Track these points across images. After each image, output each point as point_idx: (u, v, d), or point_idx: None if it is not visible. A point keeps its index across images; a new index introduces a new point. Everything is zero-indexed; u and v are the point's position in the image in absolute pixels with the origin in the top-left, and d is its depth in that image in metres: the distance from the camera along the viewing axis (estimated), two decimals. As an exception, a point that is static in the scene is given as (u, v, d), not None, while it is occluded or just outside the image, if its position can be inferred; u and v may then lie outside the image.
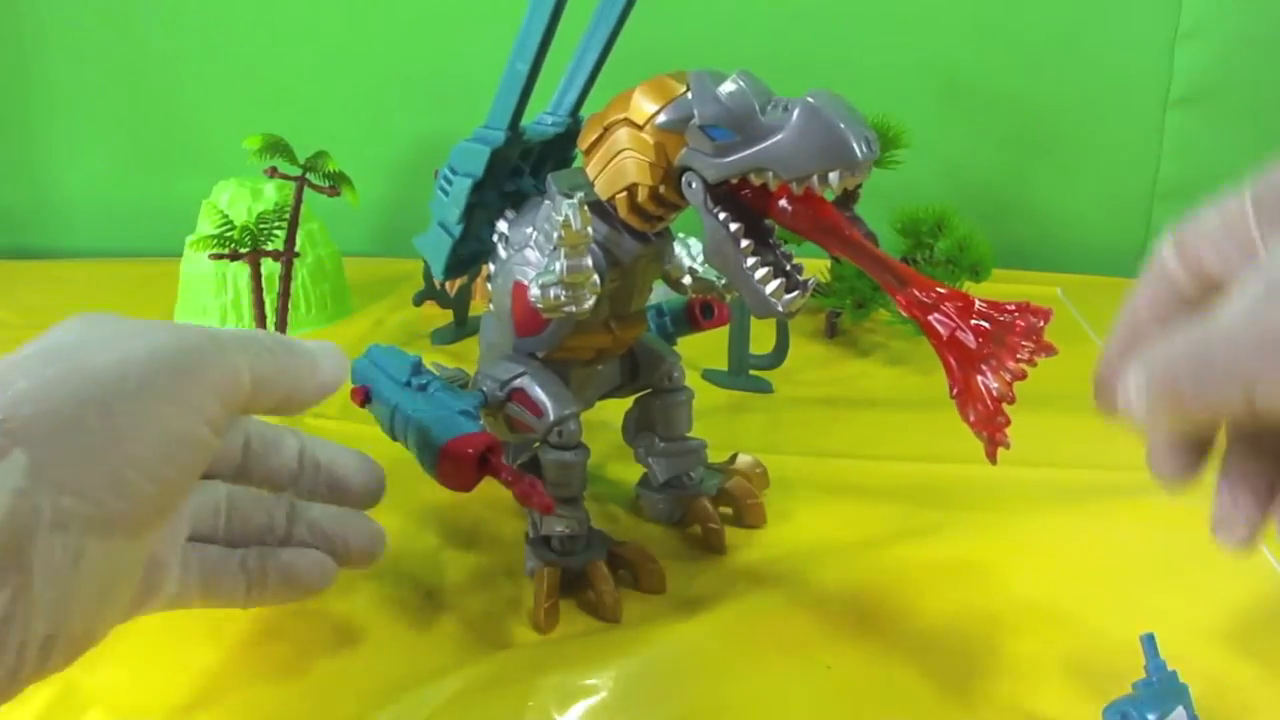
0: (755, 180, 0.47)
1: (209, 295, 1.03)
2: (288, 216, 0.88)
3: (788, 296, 0.48)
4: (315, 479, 0.52)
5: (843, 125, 0.43)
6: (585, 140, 0.53)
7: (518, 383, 0.57)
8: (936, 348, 0.46)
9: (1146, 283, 0.38)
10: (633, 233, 0.54)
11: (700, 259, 0.60)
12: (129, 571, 0.39)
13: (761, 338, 0.89)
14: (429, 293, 1.03)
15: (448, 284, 1.02)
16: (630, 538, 0.59)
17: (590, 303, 0.52)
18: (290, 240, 0.88)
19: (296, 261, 0.91)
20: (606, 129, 0.52)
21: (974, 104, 1.23)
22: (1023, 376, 0.44)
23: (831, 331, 1.02)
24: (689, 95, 0.48)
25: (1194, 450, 0.39)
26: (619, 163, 0.51)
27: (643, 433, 0.65)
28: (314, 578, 0.51)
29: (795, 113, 0.44)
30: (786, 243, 0.51)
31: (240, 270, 0.99)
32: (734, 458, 0.69)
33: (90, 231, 1.42)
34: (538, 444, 0.58)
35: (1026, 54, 1.21)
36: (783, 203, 0.48)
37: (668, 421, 0.64)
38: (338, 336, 1.03)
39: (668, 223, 0.55)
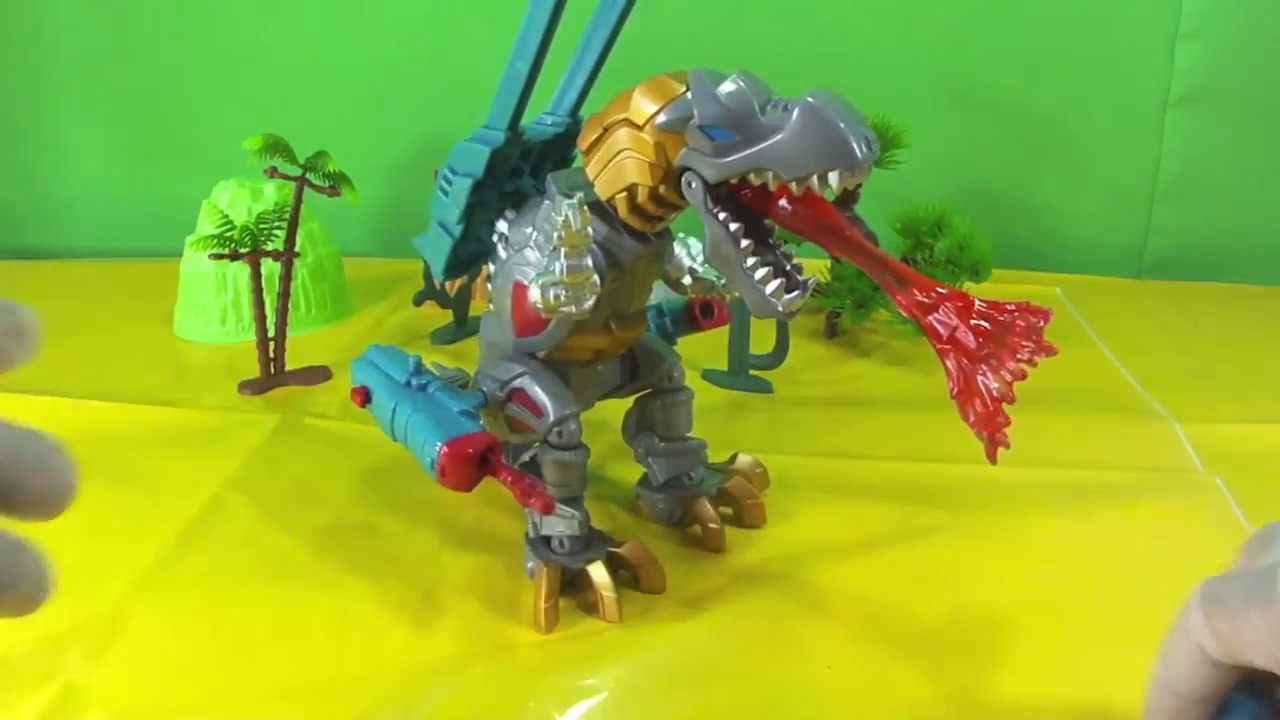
0: (755, 180, 0.47)
1: (209, 295, 1.03)
2: (288, 216, 0.88)
3: (788, 296, 0.48)
4: None
5: (843, 125, 0.43)
6: (585, 140, 0.53)
7: (518, 383, 0.57)
8: (936, 348, 0.46)
9: (1182, 660, 0.34)
10: (633, 233, 0.54)
11: (700, 259, 0.60)
12: None
13: (761, 338, 0.89)
14: (429, 293, 1.03)
15: (448, 284, 1.02)
16: (630, 538, 0.59)
17: (590, 303, 0.52)
18: (290, 240, 0.88)
19: (296, 261, 0.91)
20: (606, 129, 0.52)
21: (974, 104, 1.23)
22: (1023, 376, 0.44)
23: (831, 331, 1.02)
24: (689, 95, 0.48)
25: None
26: (619, 163, 0.51)
27: (643, 433, 0.65)
28: None
29: (795, 112, 0.44)
30: (786, 243, 0.51)
31: (240, 270, 0.99)
32: (734, 458, 0.69)
33: (90, 231, 1.42)
34: (538, 444, 0.58)
35: (1026, 54, 1.21)
36: (783, 203, 0.48)
37: (668, 421, 0.64)
38: (338, 336, 1.04)
39: (667, 223, 0.55)
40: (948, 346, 0.45)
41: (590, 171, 0.53)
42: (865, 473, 0.73)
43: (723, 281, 0.60)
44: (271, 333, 0.90)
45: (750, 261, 0.49)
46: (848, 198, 0.48)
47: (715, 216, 0.49)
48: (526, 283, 0.53)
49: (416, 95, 1.30)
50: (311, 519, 0.67)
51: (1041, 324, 0.44)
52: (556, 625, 0.56)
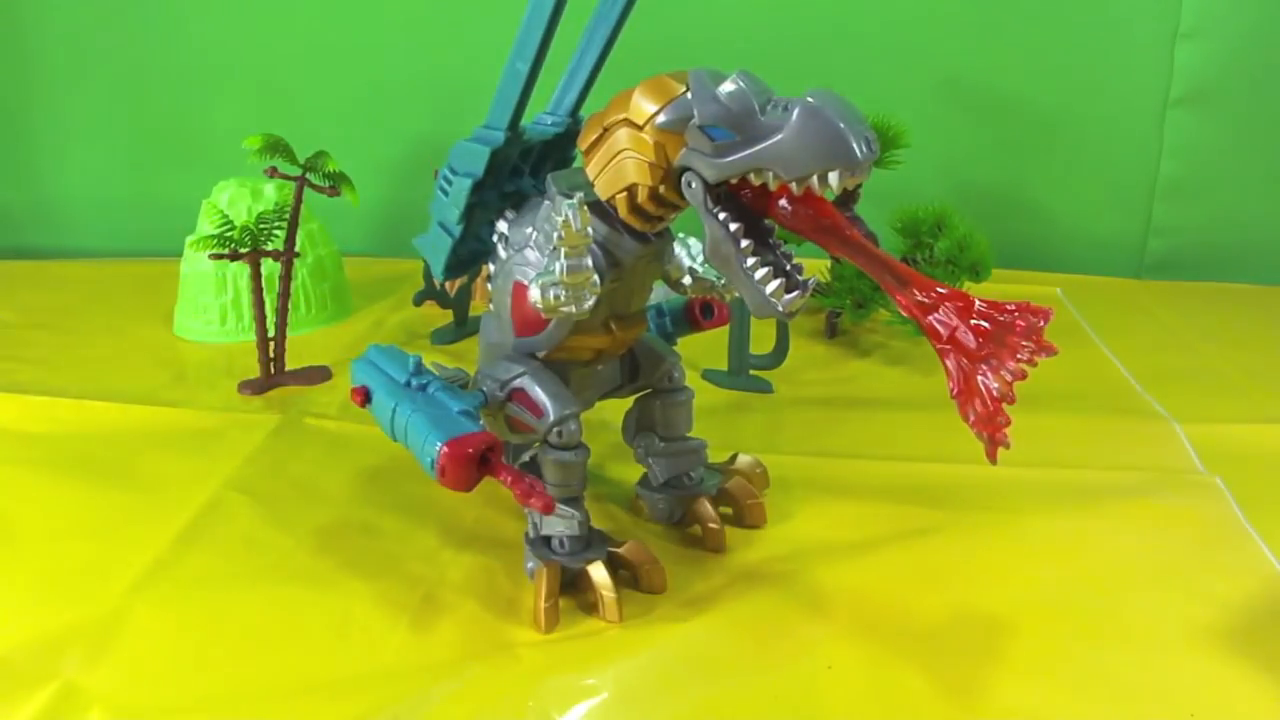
0: (755, 180, 0.47)
1: (209, 295, 1.03)
2: (288, 216, 0.88)
3: (788, 297, 0.48)
4: None
5: (842, 125, 0.43)
6: (585, 140, 0.53)
7: (518, 383, 0.57)
8: (936, 348, 0.46)
9: None
10: (633, 233, 0.54)
11: (700, 259, 0.60)
12: None
13: (761, 338, 0.89)
14: (429, 293, 1.03)
15: (448, 284, 1.02)
16: (630, 538, 0.59)
17: (590, 303, 0.52)
18: (290, 240, 0.88)
19: (296, 261, 0.91)
20: (606, 129, 0.52)
21: (974, 104, 1.23)
22: (1023, 376, 0.44)
23: (831, 331, 1.02)
24: (689, 95, 0.48)
25: None
26: (619, 163, 0.51)
27: (643, 433, 0.65)
28: None
29: (795, 112, 0.44)
30: (786, 243, 0.51)
31: (240, 270, 0.99)
32: (734, 458, 0.69)
33: (90, 231, 1.42)
34: (538, 444, 0.58)
35: (1026, 54, 1.21)
36: (783, 203, 0.48)
37: (668, 421, 0.64)
38: (338, 336, 1.04)
39: (667, 223, 0.55)
40: (948, 346, 0.45)
41: (590, 171, 0.53)
42: (865, 473, 0.73)
43: (723, 281, 0.60)
44: (271, 333, 0.90)
45: (750, 261, 0.49)
46: (848, 198, 0.48)
47: (715, 216, 0.49)
48: (526, 283, 0.53)
49: (416, 95, 1.30)
50: (311, 519, 0.67)
51: (1041, 324, 0.44)
52: (556, 625, 0.56)
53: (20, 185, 1.43)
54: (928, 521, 0.66)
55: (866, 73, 1.20)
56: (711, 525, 0.63)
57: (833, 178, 0.44)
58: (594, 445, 0.59)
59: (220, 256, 0.84)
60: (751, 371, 0.89)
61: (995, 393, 0.44)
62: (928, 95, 1.22)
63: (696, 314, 0.68)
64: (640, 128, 0.50)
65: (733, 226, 0.49)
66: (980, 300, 0.45)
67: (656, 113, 0.49)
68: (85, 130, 1.40)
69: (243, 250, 0.85)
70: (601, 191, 0.53)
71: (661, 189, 0.51)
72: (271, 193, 1.04)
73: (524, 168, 0.62)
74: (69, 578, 0.61)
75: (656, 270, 0.59)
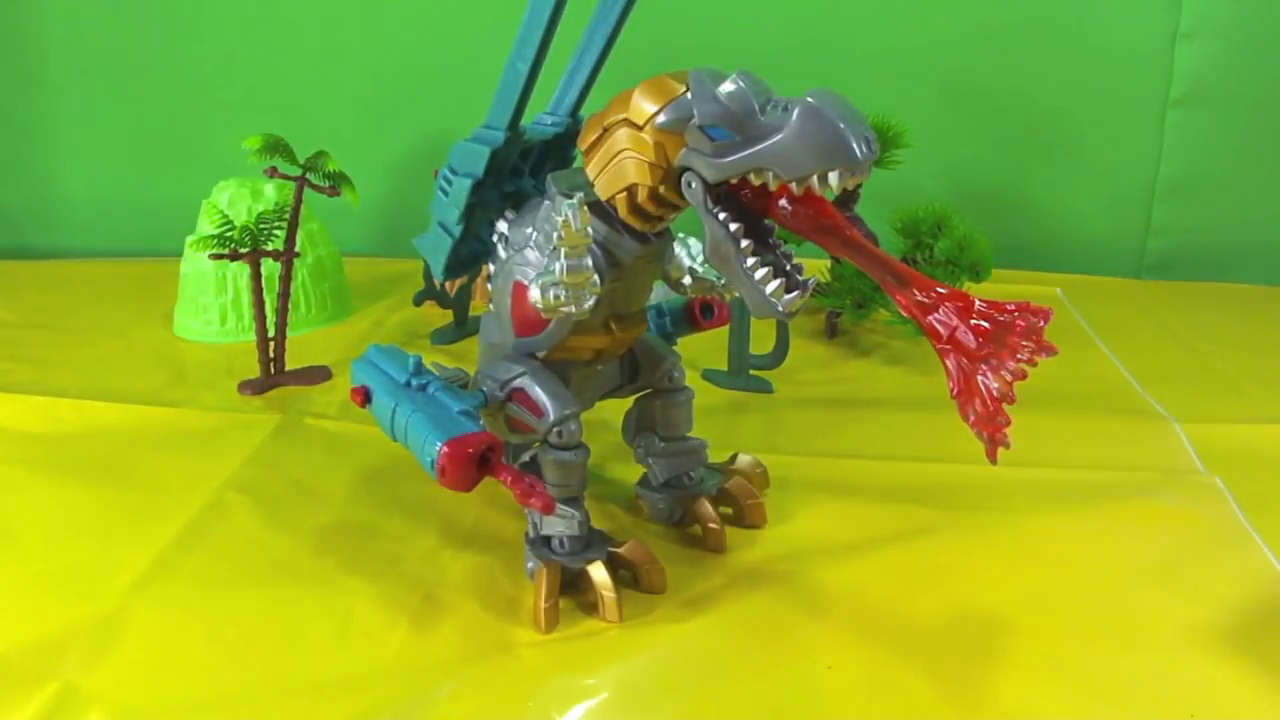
0: (755, 180, 0.47)
1: (209, 295, 1.03)
2: (288, 216, 0.88)
3: (788, 297, 0.48)
4: None
5: (842, 125, 0.43)
6: (585, 140, 0.53)
7: (518, 383, 0.57)
8: (936, 348, 0.46)
9: None
10: (633, 233, 0.54)
11: (700, 259, 0.60)
12: None
13: (761, 338, 0.89)
14: (429, 293, 1.03)
15: (448, 284, 1.02)
16: (630, 538, 0.59)
17: (590, 303, 0.52)
18: (290, 240, 0.88)
19: (296, 261, 0.91)
20: (606, 129, 0.52)
21: (974, 104, 1.23)
22: (1023, 376, 0.44)
23: (831, 331, 1.02)
24: (688, 95, 0.48)
25: None
26: (619, 163, 0.51)
27: (643, 433, 0.65)
28: None
29: (795, 113, 0.44)
30: (786, 243, 0.51)
31: (240, 270, 0.99)
32: (734, 458, 0.69)
33: (90, 231, 1.42)
34: (538, 444, 0.58)
35: (1026, 54, 1.21)
36: (783, 203, 0.48)
37: (668, 421, 0.64)
38: (338, 336, 1.04)
39: (667, 223, 0.55)
40: (948, 346, 0.45)
41: (590, 172, 0.53)
42: (865, 473, 0.73)
43: (723, 281, 0.60)
44: (271, 333, 0.90)
45: (750, 261, 0.49)
46: (848, 198, 0.48)
47: (715, 216, 0.49)
48: (526, 283, 0.53)
49: (417, 95, 1.30)
50: (312, 519, 0.67)
51: (1041, 324, 0.44)
52: (556, 625, 0.56)
53: (20, 185, 1.43)
54: (928, 521, 0.66)
55: (867, 73, 1.20)
56: (711, 525, 0.63)
57: (833, 178, 0.44)
58: (594, 445, 0.59)
59: (220, 256, 0.84)
60: (751, 371, 0.89)
61: (995, 393, 0.44)
62: (928, 95, 1.22)
63: (696, 314, 0.68)
64: (640, 128, 0.50)
65: (733, 226, 0.49)
66: (980, 300, 0.45)
67: (656, 113, 0.49)
68: (85, 131, 1.40)
69: (243, 250, 0.85)
70: (601, 191, 0.53)
71: (661, 189, 0.51)
72: (271, 193, 1.04)
73: (524, 168, 0.62)
74: (69, 578, 0.61)
75: (656, 270, 0.59)
